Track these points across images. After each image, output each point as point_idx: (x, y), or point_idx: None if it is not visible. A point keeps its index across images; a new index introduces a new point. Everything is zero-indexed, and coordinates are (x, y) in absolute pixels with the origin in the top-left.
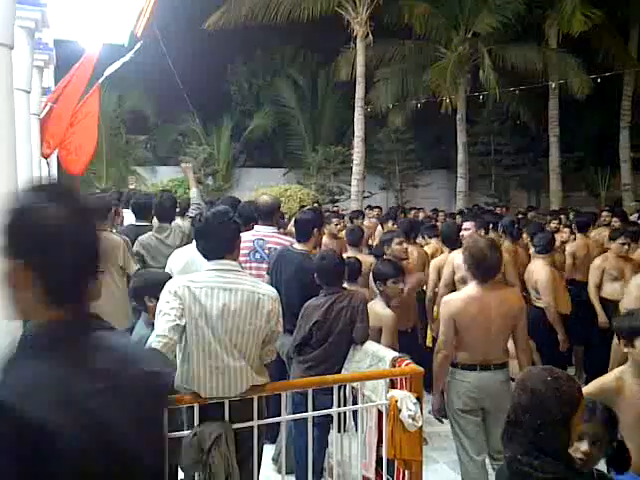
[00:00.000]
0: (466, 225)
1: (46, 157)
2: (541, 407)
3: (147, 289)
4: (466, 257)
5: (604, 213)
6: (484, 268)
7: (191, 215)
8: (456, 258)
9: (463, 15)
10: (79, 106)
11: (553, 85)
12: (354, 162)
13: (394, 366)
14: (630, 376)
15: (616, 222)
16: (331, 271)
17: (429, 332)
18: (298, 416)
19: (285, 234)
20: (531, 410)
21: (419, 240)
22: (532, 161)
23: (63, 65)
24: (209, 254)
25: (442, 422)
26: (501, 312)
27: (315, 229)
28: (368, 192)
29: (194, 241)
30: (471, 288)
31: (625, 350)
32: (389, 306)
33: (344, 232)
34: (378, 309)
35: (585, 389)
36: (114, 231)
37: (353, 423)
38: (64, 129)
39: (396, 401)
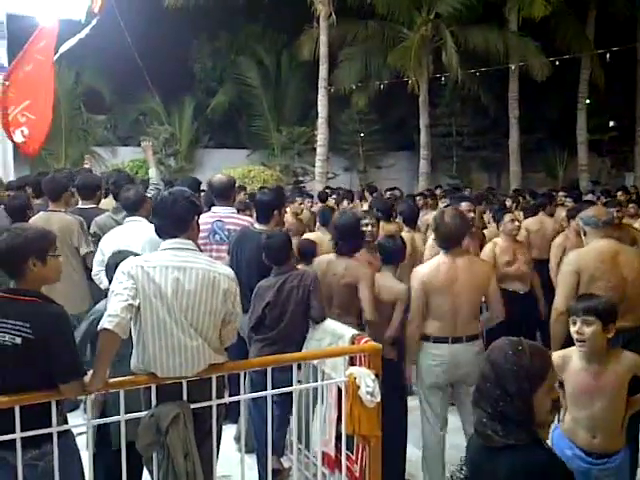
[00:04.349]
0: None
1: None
2: (498, 380)
3: None
4: (432, 226)
5: (560, 194)
6: (442, 235)
7: (149, 195)
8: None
9: None
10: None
11: (513, 67)
12: (318, 143)
13: (353, 343)
14: (576, 356)
15: (569, 202)
16: (278, 250)
17: None
18: (257, 394)
19: (250, 215)
20: (490, 380)
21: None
22: (493, 142)
23: (18, 41)
24: (163, 233)
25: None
26: (468, 280)
27: (275, 210)
28: (332, 173)
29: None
30: (438, 257)
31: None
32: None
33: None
34: (391, 283)
35: None
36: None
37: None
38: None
39: (355, 378)
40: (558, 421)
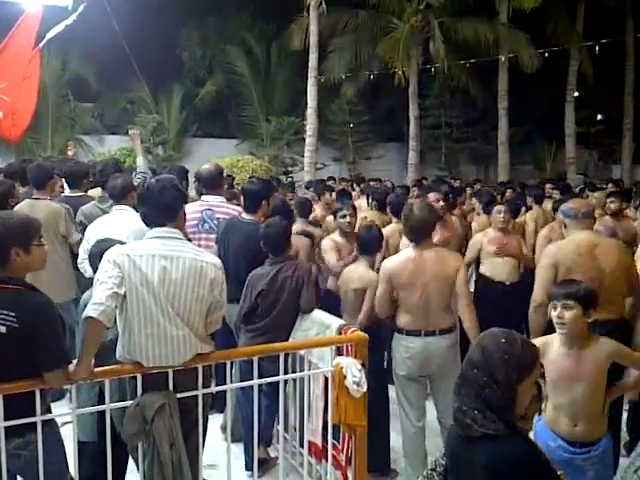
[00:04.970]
0: (431, 196)
1: None
2: (487, 366)
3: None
4: (402, 219)
5: (547, 186)
6: (409, 227)
7: (135, 184)
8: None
9: None
10: (21, 69)
11: (503, 59)
12: (307, 133)
13: (340, 334)
14: (557, 342)
15: (556, 195)
16: (276, 239)
17: None
18: (243, 384)
19: (238, 204)
20: (479, 366)
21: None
22: (481, 134)
23: (3, 27)
24: (150, 221)
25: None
26: (436, 272)
27: (263, 200)
28: (321, 164)
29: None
30: (406, 250)
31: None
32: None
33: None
34: (362, 271)
35: None
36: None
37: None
38: (2, 92)
39: (342, 368)
40: (540, 413)
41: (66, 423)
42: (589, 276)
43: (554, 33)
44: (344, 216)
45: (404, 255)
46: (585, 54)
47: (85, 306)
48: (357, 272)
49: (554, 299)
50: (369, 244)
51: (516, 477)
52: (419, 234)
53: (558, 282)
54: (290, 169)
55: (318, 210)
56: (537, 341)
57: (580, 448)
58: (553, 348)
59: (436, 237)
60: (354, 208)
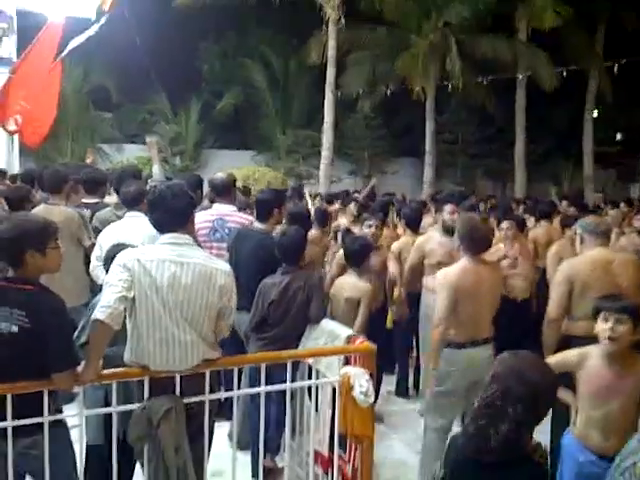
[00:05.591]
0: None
1: (12, 134)
2: (536, 401)
3: None
4: (460, 231)
5: (564, 203)
6: (478, 240)
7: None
8: (429, 243)
9: (435, 3)
10: (41, 77)
11: (521, 77)
12: (323, 146)
13: (349, 344)
14: (596, 354)
15: (568, 210)
16: (291, 249)
17: (390, 314)
18: (250, 391)
19: (251, 214)
20: (524, 402)
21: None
22: (498, 151)
23: (27, 37)
24: (161, 227)
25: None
26: (491, 285)
27: (275, 209)
28: (336, 177)
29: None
30: (464, 261)
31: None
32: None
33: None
34: (355, 281)
35: (547, 360)
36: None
37: (308, 401)
38: (22, 99)
39: (349, 378)
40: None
41: (74, 427)
42: (605, 292)
43: (573, 52)
44: (370, 226)
45: (462, 266)
46: (604, 74)
47: (92, 310)
48: (349, 282)
49: (605, 311)
50: (356, 256)
51: None
52: (484, 246)
53: (603, 296)
54: (305, 182)
55: (343, 220)
56: (574, 352)
57: (611, 463)
58: (592, 361)
59: None
60: (383, 222)
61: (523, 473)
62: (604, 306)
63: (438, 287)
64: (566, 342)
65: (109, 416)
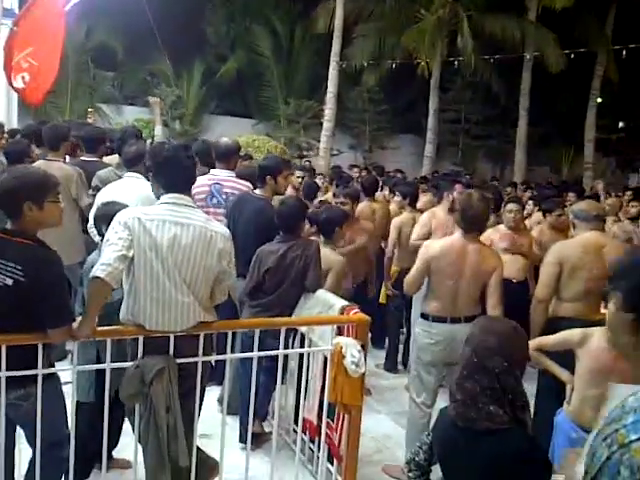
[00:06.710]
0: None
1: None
2: (507, 350)
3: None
4: (456, 207)
5: (571, 194)
6: (469, 218)
7: None
8: (434, 219)
9: None
10: (47, 33)
11: (528, 57)
12: (325, 118)
13: (342, 314)
14: (599, 335)
15: (572, 198)
16: (288, 218)
17: (383, 289)
18: (242, 355)
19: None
20: (497, 352)
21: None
22: (500, 132)
23: None
24: (171, 187)
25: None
26: (474, 265)
27: (268, 175)
28: (336, 150)
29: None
30: (454, 237)
31: (603, 311)
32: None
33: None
34: (327, 253)
35: (547, 338)
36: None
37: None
38: (24, 53)
39: (341, 347)
40: (561, 404)
41: (66, 383)
42: (594, 275)
43: (582, 35)
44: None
45: (449, 241)
46: (612, 59)
47: (90, 267)
48: (322, 254)
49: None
50: (327, 226)
51: (518, 471)
52: (475, 225)
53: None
54: (305, 153)
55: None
56: (577, 331)
57: None
58: (594, 341)
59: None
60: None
61: (512, 439)
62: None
63: (418, 255)
64: (554, 323)
65: (100, 374)
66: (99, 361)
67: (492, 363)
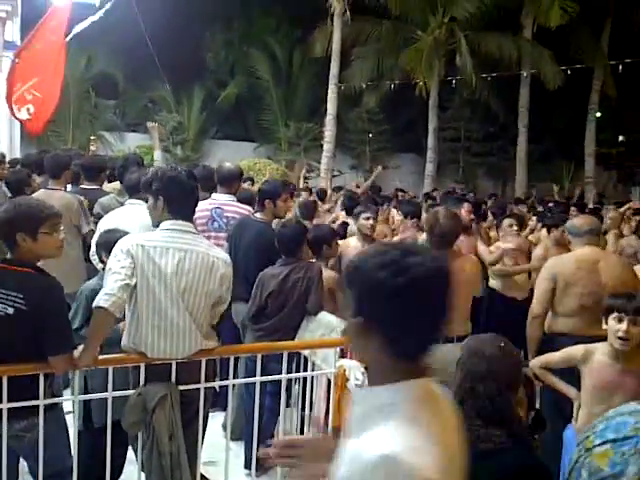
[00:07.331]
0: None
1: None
2: (497, 374)
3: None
4: (424, 226)
5: (572, 209)
6: (436, 236)
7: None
8: None
9: None
10: (49, 64)
11: (525, 74)
12: (325, 140)
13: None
14: (602, 351)
15: (574, 213)
16: (289, 241)
17: None
18: (245, 380)
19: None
20: (488, 377)
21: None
22: (500, 149)
23: (32, 21)
24: (176, 213)
25: None
26: (460, 280)
27: (267, 200)
28: (337, 171)
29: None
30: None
31: (604, 327)
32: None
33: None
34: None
35: (551, 356)
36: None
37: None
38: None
39: (344, 370)
40: (570, 421)
41: (68, 413)
42: (588, 290)
43: (578, 50)
44: (367, 218)
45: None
46: (608, 73)
47: (89, 291)
48: None
49: (620, 311)
50: (315, 244)
51: None
52: (445, 242)
53: (614, 294)
54: (306, 175)
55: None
56: (579, 348)
57: None
58: (597, 357)
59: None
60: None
61: (514, 457)
62: (618, 306)
63: None
64: (550, 339)
65: (86, 403)
66: (86, 389)
67: (483, 388)
